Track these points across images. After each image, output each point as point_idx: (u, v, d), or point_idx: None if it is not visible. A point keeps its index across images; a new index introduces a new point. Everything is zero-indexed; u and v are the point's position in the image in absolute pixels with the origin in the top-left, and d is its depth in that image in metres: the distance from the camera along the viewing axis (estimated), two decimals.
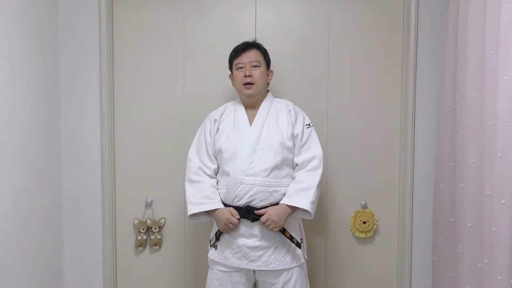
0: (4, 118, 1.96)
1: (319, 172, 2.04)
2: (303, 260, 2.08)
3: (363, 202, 2.56)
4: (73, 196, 2.52)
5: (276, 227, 1.95)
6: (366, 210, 2.55)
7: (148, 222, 2.56)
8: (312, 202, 1.99)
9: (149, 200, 2.57)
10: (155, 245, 2.57)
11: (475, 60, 1.93)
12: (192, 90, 2.54)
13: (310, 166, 2.05)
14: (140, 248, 2.58)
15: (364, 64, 2.53)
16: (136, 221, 2.56)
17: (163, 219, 2.58)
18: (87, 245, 2.54)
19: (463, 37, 2.04)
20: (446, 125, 2.23)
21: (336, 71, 2.53)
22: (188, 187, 2.10)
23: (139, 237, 2.56)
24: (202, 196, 2.04)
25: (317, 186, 2.02)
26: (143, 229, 2.54)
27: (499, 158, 1.71)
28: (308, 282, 2.15)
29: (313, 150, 2.08)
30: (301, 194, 1.99)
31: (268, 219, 1.94)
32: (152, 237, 2.56)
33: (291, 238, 2.00)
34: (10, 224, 2.01)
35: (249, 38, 2.39)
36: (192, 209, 2.04)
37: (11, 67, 2.00)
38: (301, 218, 2.10)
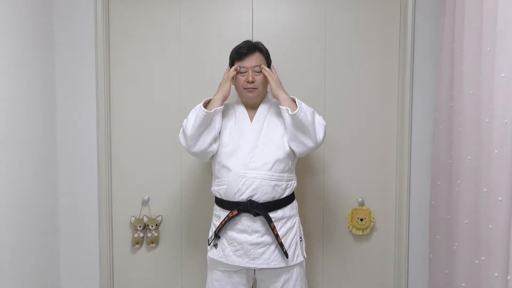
0: (0, 118, 1.95)
1: (316, 115, 2.03)
2: (302, 258, 2.08)
3: (360, 200, 2.56)
4: (70, 193, 2.51)
5: (269, 74, 2.03)
6: (363, 207, 2.55)
7: (145, 219, 2.55)
8: (301, 105, 1.97)
9: (146, 197, 2.56)
10: (152, 242, 2.56)
11: (472, 57, 1.93)
12: (189, 88, 2.53)
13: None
14: (137, 245, 2.57)
15: (361, 61, 2.52)
16: (133, 218, 2.56)
17: (160, 217, 2.57)
18: (83, 242, 2.54)
19: (459, 34, 2.04)
20: (442, 122, 2.23)
21: (333, 69, 2.53)
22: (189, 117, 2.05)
23: (135, 235, 2.55)
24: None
25: (313, 113, 2.01)
26: (140, 226, 2.54)
27: (496, 155, 1.71)
28: (306, 280, 2.15)
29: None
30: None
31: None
32: (149, 234, 2.56)
33: (281, 245, 1.98)
34: (6, 223, 2.00)
35: (246, 37, 2.38)
36: (200, 104, 2.02)
37: (6, 66, 1.99)
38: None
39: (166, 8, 2.52)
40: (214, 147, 2.03)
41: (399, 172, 2.55)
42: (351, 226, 2.56)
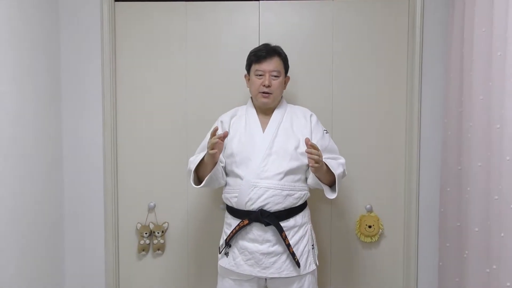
0: (6, 124, 1.94)
1: (344, 171, 2.05)
2: (315, 267, 2.05)
3: (368, 206, 2.53)
4: (75, 200, 2.50)
5: (316, 161, 1.82)
6: (372, 214, 2.53)
7: (151, 226, 2.54)
8: (339, 176, 1.98)
9: (152, 204, 2.55)
10: (158, 249, 2.55)
11: (482, 61, 1.90)
12: (195, 94, 2.52)
13: (339, 161, 2.08)
14: (143, 252, 2.56)
15: (369, 66, 2.50)
16: (139, 225, 2.54)
17: (166, 224, 2.56)
18: (89, 249, 2.53)
19: (469, 38, 2.01)
20: (452, 128, 2.20)
21: (341, 74, 2.51)
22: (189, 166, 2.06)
23: (141, 242, 2.54)
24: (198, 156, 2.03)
25: (343, 173, 2.04)
26: (146, 233, 2.52)
27: (507, 161, 1.68)
28: None
29: (338, 155, 2.11)
30: (334, 164, 2.00)
31: (314, 148, 1.82)
32: (155, 241, 2.54)
33: (293, 255, 1.95)
34: (11, 229, 1.99)
35: (252, 42, 2.38)
36: (192, 167, 2.00)
37: (11, 72, 1.99)
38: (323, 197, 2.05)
39: (172, 14, 2.51)
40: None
41: (407, 179, 2.52)
42: (359, 233, 2.53)
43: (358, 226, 2.53)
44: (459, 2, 2.12)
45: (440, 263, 2.33)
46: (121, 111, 2.55)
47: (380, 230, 2.52)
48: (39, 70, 2.23)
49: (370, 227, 2.50)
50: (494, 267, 1.77)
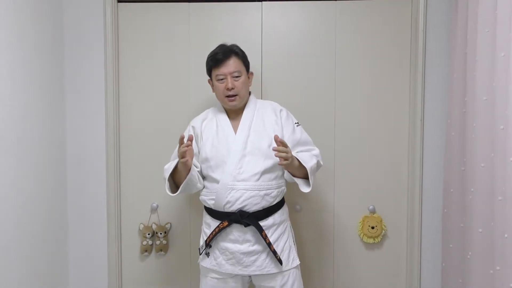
0: (9, 124, 1.95)
1: (317, 162, 2.04)
2: (299, 262, 2.06)
3: (371, 207, 2.53)
4: (78, 200, 2.51)
5: (285, 158, 1.81)
6: (374, 215, 2.52)
7: (154, 227, 2.54)
8: (312, 169, 1.97)
9: (154, 205, 2.55)
10: (161, 250, 2.55)
11: (485, 62, 1.90)
12: (198, 94, 2.52)
13: (312, 153, 2.07)
14: (146, 253, 2.56)
15: (371, 67, 2.50)
16: (142, 226, 2.54)
17: (169, 224, 2.56)
18: (92, 250, 2.53)
19: (472, 39, 2.01)
20: (455, 128, 2.19)
21: (343, 75, 2.50)
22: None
23: (144, 242, 2.54)
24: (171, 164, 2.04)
25: (317, 164, 2.03)
26: (149, 234, 2.52)
27: (511, 162, 1.67)
28: (302, 281, 2.12)
29: (312, 147, 2.10)
30: (305, 157, 1.99)
31: (282, 145, 1.83)
32: (158, 242, 2.54)
33: (274, 253, 1.96)
34: (14, 229, 2.00)
35: (255, 42, 2.38)
36: (166, 176, 2.02)
37: (15, 73, 2.00)
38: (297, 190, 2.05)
39: (175, 14, 2.51)
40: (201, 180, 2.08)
41: (411, 179, 2.51)
42: (362, 234, 2.52)
43: (361, 227, 2.52)
44: (462, 3, 2.12)
45: (443, 264, 2.32)
46: (124, 111, 2.55)
47: (383, 231, 2.51)
48: (43, 71, 2.24)
49: (373, 228, 2.49)
50: (498, 268, 1.76)
